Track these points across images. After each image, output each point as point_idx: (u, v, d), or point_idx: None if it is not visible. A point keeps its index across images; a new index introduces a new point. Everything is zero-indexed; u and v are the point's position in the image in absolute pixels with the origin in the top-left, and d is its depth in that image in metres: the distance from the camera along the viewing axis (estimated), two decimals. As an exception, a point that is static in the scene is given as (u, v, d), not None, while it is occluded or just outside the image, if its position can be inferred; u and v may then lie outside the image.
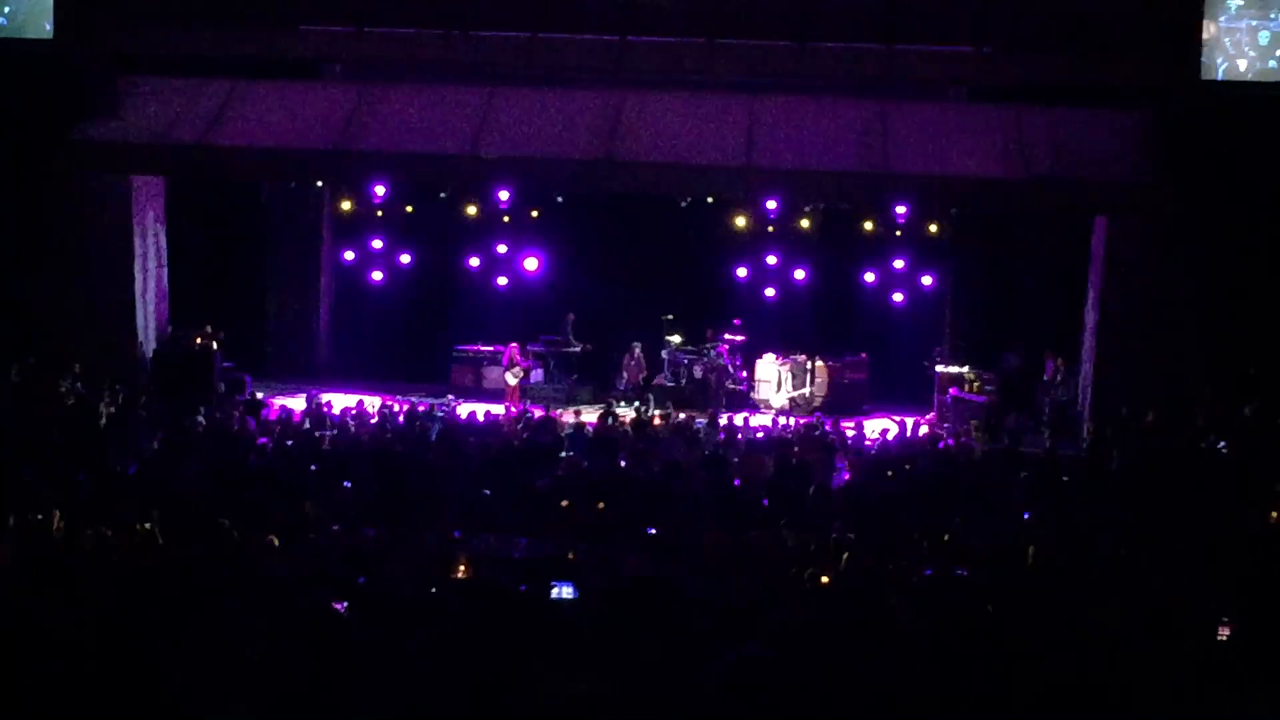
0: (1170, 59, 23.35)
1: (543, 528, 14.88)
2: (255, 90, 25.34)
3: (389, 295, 29.57)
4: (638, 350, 28.38)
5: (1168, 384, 22.94)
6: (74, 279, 25.12)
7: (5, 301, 24.83)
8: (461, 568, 12.27)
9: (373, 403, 24.49)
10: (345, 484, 16.73)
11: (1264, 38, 23.36)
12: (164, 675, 7.88)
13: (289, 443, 20.51)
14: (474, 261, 28.95)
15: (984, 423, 24.36)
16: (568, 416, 24.01)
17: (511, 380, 27.43)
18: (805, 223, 26.79)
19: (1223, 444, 20.80)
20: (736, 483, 18.01)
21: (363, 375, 28.30)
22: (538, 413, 24.16)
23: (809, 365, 27.79)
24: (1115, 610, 10.40)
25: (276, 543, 12.95)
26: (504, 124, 24.63)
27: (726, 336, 28.12)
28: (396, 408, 23.99)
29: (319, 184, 28.37)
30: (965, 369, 26.58)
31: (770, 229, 26.69)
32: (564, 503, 16.06)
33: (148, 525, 13.32)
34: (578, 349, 28.53)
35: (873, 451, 21.86)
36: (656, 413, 24.79)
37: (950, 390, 26.34)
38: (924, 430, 24.40)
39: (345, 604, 9.75)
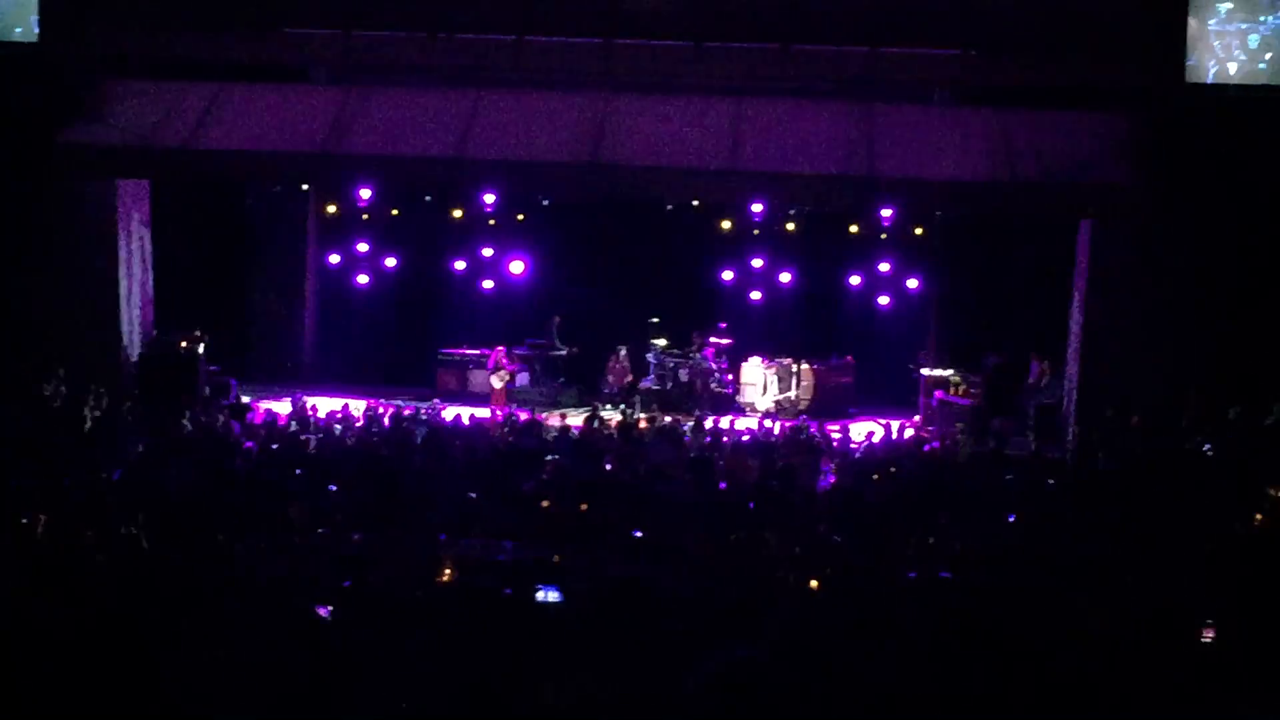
0: (1155, 62, 23.38)
1: (528, 531, 14.86)
2: (240, 93, 25.29)
3: (374, 298, 29.57)
4: (623, 354, 28.43)
5: (1153, 386, 22.97)
6: (58, 282, 25.04)
7: (-11, 304, 24.82)
8: (447, 571, 12.25)
9: (358, 406, 24.45)
10: (331, 488, 16.69)
11: (1253, 41, 23.40)
12: (151, 679, 7.87)
13: (274, 446, 20.46)
14: (460, 265, 28.99)
15: (969, 425, 24.38)
16: (553, 420, 23.99)
17: (497, 383, 27.45)
18: (791, 226, 26.82)
19: (1209, 446, 20.83)
20: (722, 486, 17.99)
21: (348, 379, 28.29)
22: (523, 416, 24.15)
23: (794, 368, 27.83)
24: (1101, 612, 10.41)
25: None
26: (490, 127, 24.61)
27: (712, 340, 28.16)
28: (382, 411, 23.96)
29: (304, 187, 28.39)
30: (950, 372, 26.63)
31: (756, 232, 26.73)
32: (544, 503, 16.04)
33: (133, 529, 13.28)
34: (563, 352, 28.56)
35: (858, 454, 21.86)
36: (642, 416, 24.79)
37: (936, 393, 26.41)
38: (909, 433, 24.43)
39: (330, 608, 9.72)
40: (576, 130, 24.42)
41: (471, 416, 23.84)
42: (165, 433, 20.89)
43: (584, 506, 15.77)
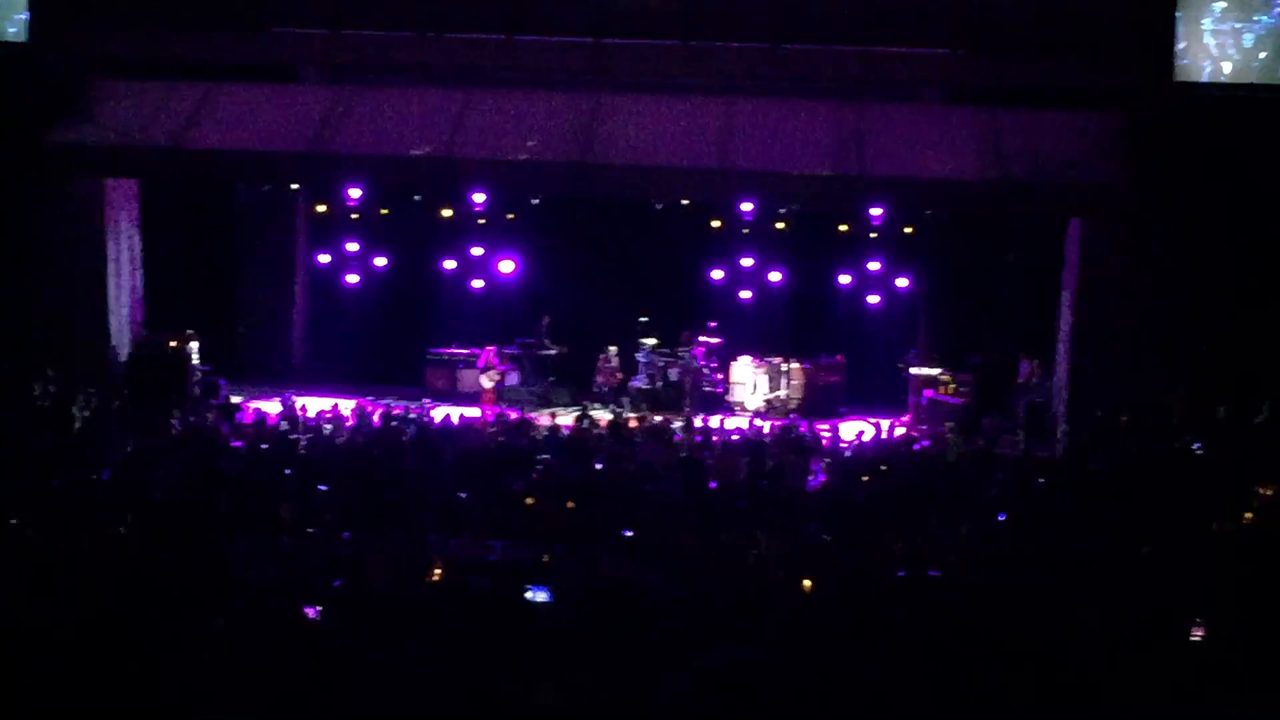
0: (1144, 61, 23.43)
1: (518, 531, 14.86)
2: (230, 93, 25.28)
3: (364, 298, 29.51)
4: (613, 354, 28.42)
5: (1142, 385, 22.99)
6: (47, 282, 25.06)
7: (-22, 304, 24.79)
8: (437, 571, 12.25)
9: (348, 406, 24.42)
10: (321, 487, 16.68)
11: (1248, 40, 23.42)
12: (140, 678, 7.86)
13: (264, 446, 20.43)
14: (449, 264, 28.92)
15: (959, 424, 24.39)
16: (543, 419, 23.96)
17: (487, 383, 27.45)
18: (781, 225, 26.83)
19: (1198, 445, 20.84)
20: (713, 485, 18.00)
21: (338, 378, 28.22)
22: (513, 416, 24.13)
23: (784, 367, 27.83)
24: (1092, 611, 10.42)
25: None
26: (479, 127, 24.60)
27: (702, 339, 28.13)
28: (371, 410, 23.93)
29: (294, 187, 28.33)
30: (940, 371, 26.64)
31: (746, 231, 26.72)
32: (528, 500, 16.03)
33: (122, 529, 13.27)
34: (554, 352, 28.52)
35: (848, 454, 21.87)
36: (632, 415, 24.77)
37: (925, 392, 26.41)
38: (900, 432, 24.43)
39: (318, 608, 9.72)
40: (566, 130, 24.42)
41: (461, 416, 23.81)
42: (154, 433, 20.86)
43: (570, 505, 15.77)
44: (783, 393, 27.72)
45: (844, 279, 28.36)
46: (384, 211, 27.44)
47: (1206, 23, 23.43)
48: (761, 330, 28.73)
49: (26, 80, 24.45)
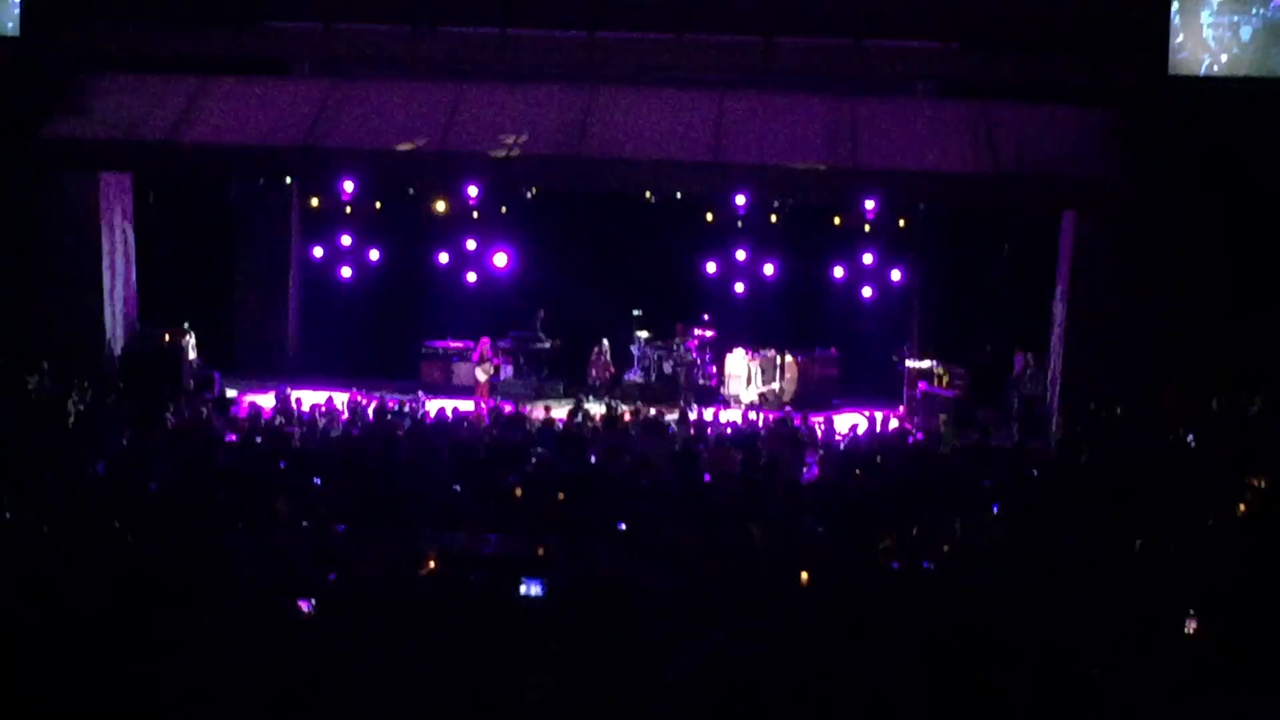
0: (1138, 55, 23.43)
1: (512, 524, 14.86)
2: (223, 87, 25.25)
3: (358, 292, 29.55)
4: (605, 347, 28.41)
5: (1136, 378, 23.01)
6: (42, 277, 25.06)
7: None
8: (431, 564, 12.26)
9: (342, 399, 24.44)
10: (315, 481, 16.68)
11: (1246, 34, 23.41)
12: (135, 673, 7.86)
13: (258, 440, 20.42)
14: (443, 257, 28.96)
15: (952, 417, 24.40)
16: (538, 412, 23.97)
17: (481, 376, 27.45)
18: (774, 218, 26.84)
19: (1191, 437, 20.87)
20: (707, 478, 18.00)
21: (332, 372, 28.20)
22: (507, 409, 24.14)
23: (778, 360, 27.83)
24: (1086, 604, 10.43)
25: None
26: (472, 120, 24.60)
27: (696, 332, 28.16)
28: (365, 404, 23.94)
29: (287, 181, 28.31)
30: (934, 363, 26.65)
31: (739, 224, 26.73)
32: (517, 491, 16.03)
33: (116, 524, 13.27)
34: (548, 344, 28.52)
35: (842, 446, 21.89)
36: (626, 408, 24.78)
37: (919, 385, 26.42)
38: (894, 425, 24.45)
39: (311, 601, 9.73)
40: (560, 123, 24.42)
41: (455, 409, 23.82)
42: (149, 427, 20.86)
43: (561, 496, 15.77)
44: (777, 386, 27.73)
45: (838, 272, 28.42)
46: (378, 205, 27.44)
47: (1205, 15, 23.42)
48: (755, 323, 28.74)
49: (20, 75, 24.42)
